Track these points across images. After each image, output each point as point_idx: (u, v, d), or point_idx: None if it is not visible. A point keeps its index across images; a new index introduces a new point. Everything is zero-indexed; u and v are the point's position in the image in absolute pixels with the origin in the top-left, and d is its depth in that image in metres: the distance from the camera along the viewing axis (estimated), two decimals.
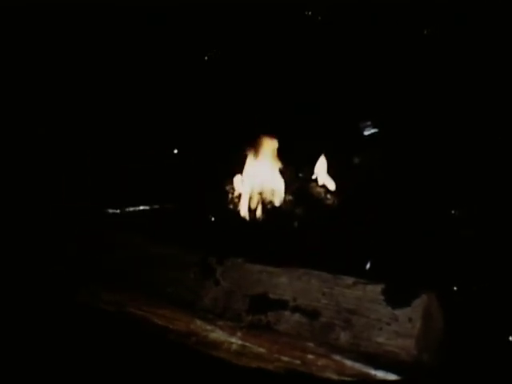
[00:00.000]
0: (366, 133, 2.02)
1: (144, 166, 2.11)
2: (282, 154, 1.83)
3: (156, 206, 1.93)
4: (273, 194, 1.82)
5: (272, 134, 1.87)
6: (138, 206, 1.95)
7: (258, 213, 1.79)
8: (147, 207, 1.94)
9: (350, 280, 1.39)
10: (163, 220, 1.85)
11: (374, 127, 2.03)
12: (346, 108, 2.08)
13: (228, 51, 2.31)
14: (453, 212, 1.72)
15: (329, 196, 1.84)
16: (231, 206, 1.84)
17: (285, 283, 1.43)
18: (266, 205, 1.80)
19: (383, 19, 2.08)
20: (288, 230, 1.74)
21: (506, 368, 1.34)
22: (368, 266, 1.59)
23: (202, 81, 2.27)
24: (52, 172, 2.14)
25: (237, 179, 1.88)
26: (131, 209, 1.95)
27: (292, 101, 2.11)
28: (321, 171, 1.89)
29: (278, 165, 1.84)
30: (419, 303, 1.30)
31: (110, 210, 1.96)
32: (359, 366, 1.28)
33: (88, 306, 1.54)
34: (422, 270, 1.52)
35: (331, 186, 1.86)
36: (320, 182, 1.87)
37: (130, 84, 2.32)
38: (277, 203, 1.81)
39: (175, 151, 2.22)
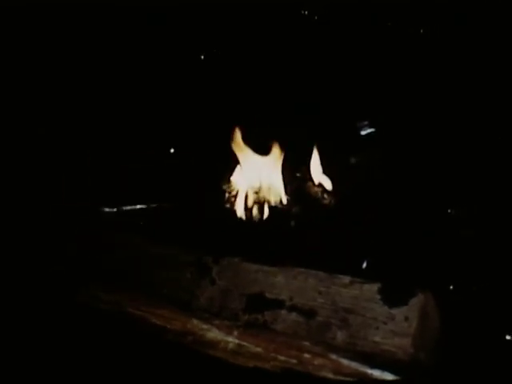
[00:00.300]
0: (364, 132, 2.02)
1: (142, 166, 2.11)
2: (278, 153, 1.83)
3: (153, 206, 1.93)
4: (269, 194, 1.82)
5: (269, 133, 1.86)
6: (135, 206, 1.95)
7: (255, 212, 1.79)
8: (144, 207, 1.94)
9: (346, 279, 1.38)
10: (159, 220, 1.85)
11: (371, 127, 2.02)
12: (343, 107, 2.08)
13: (226, 51, 2.31)
14: (449, 211, 1.71)
15: (325, 195, 1.84)
16: (227, 206, 1.84)
17: (281, 282, 1.43)
18: (263, 204, 1.80)
19: (380, 18, 2.08)
20: (284, 229, 1.74)
21: (503, 367, 1.34)
22: (365, 265, 1.59)
23: (200, 80, 2.27)
24: (52, 172, 2.14)
25: (233, 178, 1.88)
26: (128, 208, 1.95)
27: (289, 100, 2.10)
28: (316, 170, 1.89)
29: (274, 164, 1.84)
30: (416, 302, 1.29)
31: (107, 209, 1.96)
32: (356, 365, 1.28)
33: (85, 305, 1.54)
34: (418, 269, 1.52)
35: (328, 185, 1.86)
36: (316, 181, 1.87)
37: (128, 84, 2.32)
38: (273, 202, 1.81)
39: (172, 151, 2.22)
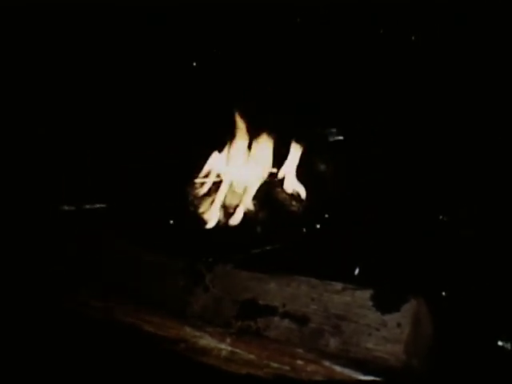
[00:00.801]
0: (333, 139, 2.00)
1: (139, 167, 2.10)
2: (263, 159, 1.83)
3: (147, 211, 1.93)
4: (260, 201, 1.82)
5: (252, 139, 1.87)
6: (126, 211, 1.95)
7: (247, 220, 1.79)
8: (138, 213, 1.94)
9: (338, 286, 1.39)
10: (152, 226, 1.85)
11: (340, 133, 2.00)
12: (317, 112, 2.06)
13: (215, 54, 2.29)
14: (441, 217, 1.71)
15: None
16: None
17: (274, 289, 1.43)
18: (254, 211, 1.80)
19: (360, 23, 2.05)
20: (277, 236, 1.74)
21: (495, 373, 1.34)
22: (357, 271, 1.59)
23: (195, 83, 2.26)
24: (52, 172, 2.15)
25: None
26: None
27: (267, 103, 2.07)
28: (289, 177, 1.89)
29: (260, 169, 1.84)
30: (408, 308, 1.30)
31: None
32: (348, 372, 1.28)
33: (77, 312, 1.55)
34: (410, 276, 1.52)
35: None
36: (290, 189, 1.87)
37: (128, 84, 2.32)
38: (264, 209, 1.81)
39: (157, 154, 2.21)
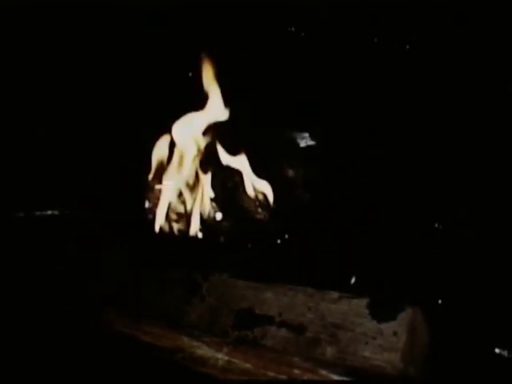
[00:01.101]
0: (304, 144, 1.98)
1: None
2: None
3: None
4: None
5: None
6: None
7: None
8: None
9: (335, 294, 1.39)
10: (148, 235, 1.85)
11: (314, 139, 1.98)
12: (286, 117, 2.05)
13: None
14: (436, 225, 1.70)
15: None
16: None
17: (270, 298, 1.44)
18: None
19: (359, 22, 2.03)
20: (272, 245, 1.74)
21: (493, 381, 1.34)
22: (353, 280, 1.59)
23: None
24: (52, 172, 2.16)
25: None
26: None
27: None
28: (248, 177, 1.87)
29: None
30: (404, 317, 1.30)
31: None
32: (345, 381, 1.28)
33: (74, 323, 1.56)
34: (406, 284, 1.52)
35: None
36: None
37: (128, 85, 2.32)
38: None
39: None
